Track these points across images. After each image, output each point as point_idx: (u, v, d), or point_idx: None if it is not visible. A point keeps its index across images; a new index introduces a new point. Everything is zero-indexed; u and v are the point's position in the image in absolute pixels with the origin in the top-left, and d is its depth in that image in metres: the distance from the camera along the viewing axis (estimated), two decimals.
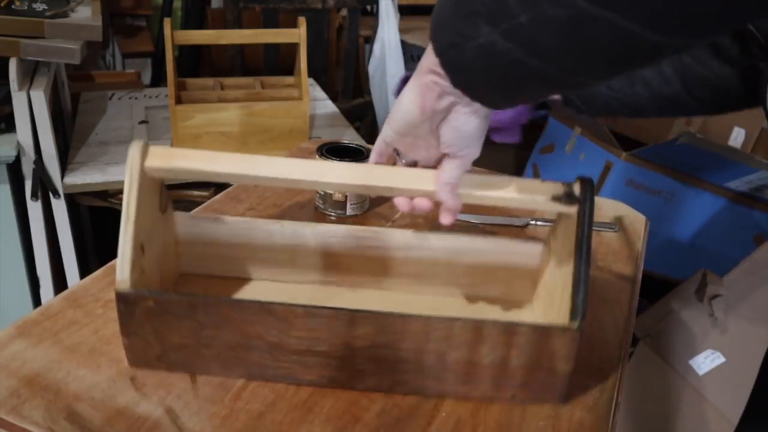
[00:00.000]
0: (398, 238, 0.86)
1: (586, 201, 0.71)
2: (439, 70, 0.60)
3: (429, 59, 0.61)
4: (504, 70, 0.54)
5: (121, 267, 0.70)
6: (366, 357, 0.72)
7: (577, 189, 0.72)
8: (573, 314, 0.69)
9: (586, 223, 0.70)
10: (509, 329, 0.69)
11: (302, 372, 0.74)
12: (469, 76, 0.59)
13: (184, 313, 0.71)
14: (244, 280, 0.90)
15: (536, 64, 0.52)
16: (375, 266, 0.88)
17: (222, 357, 0.74)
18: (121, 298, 0.70)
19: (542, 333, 0.69)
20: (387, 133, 0.71)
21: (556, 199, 0.71)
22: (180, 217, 0.87)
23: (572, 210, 0.71)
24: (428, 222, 1.08)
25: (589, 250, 0.70)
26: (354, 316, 0.69)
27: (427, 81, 0.62)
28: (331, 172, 0.72)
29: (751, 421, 1.05)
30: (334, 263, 0.88)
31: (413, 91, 0.64)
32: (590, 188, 0.71)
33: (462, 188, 0.70)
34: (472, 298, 0.89)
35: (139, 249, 0.72)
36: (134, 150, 0.71)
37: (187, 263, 0.90)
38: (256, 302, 0.70)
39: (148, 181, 0.73)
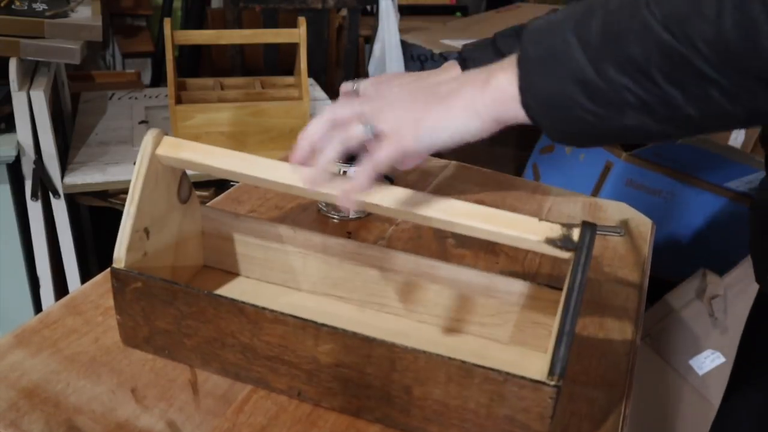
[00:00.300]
0: (410, 263, 0.83)
1: (583, 248, 0.64)
2: (519, 113, 0.61)
3: (500, 91, 0.62)
4: (620, 136, 0.59)
5: (119, 245, 0.74)
6: (332, 375, 0.70)
7: (576, 234, 0.65)
8: (551, 370, 0.61)
9: (579, 272, 0.63)
10: (471, 371, 0.64)
11: (273, 379, 0.73)
12: (569, 136, 0.61)
13: (167, 299, 0.73)
14: (256, 282, 0.91)
15: (672, 131, 0.57)
16: (384, 288, 0.86)
17: (201, 349, 0.75)
18: (114, 275, 0.75)
19: (513, 383, 0.63)
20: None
21: (551, 242, 0.65)
22: (206, 211, 0.89)
23: (567, 256, 0.66)
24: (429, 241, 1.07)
25: (578, 303, 0.62)
26: (319, 330, 0.68)
27: (491, 114, 0.63)
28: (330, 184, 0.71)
29: (736, 391, 1.06)
30: (344, 278, 0.87)
31: (466, 114, 0.63)
32: (591, 235, 0.65)
33: (453, 217, 0.68)
34: (477, 335, 0.84)
35: (142, 232, 0.76)
36: (148, 137, 0.75)
37: (211, 256, 0.92)
38: (228, 299, 0.71)
39: (160, 168, 0.76)
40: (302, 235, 0.86)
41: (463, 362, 0.64)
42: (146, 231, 0.77)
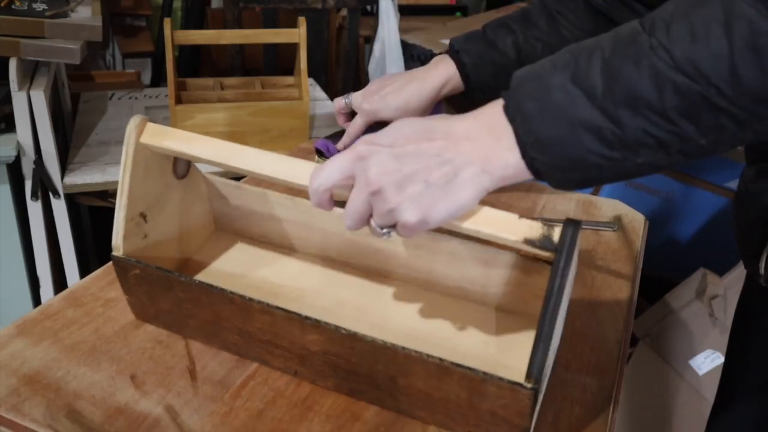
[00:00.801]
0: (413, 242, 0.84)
1: (563, 250, 0.61)
2: (524, 172, 0.61)
3: (500, 161, 0.61)
4: (630, 174, 0.59)
5: (116, 234, 0.77)
6: (322, 360, 0.71)
7: (557, 233, 0.62)
8: (528, 373, 0.61)
9: (558, 276, 0.60)
10: (449, 370, 0.64)
11: (271, 359, 0.75)
12: (579, 182, 0.61)
13: (165, 285, 0.76)
14: (261, 247, 0.93)
15: (681, 161, 0.58)
16: (385, 258, 0.87)
17: (203, 329, 0.78)
18: (116, 263, 0.78)
19: (491, 383, 0.62)
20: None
21: (530, 242, 0.62)
22: (210, 179, 0.90)
23: (547, 256, 0.63)
24: None
25: (558, 306, 0.60)
26: (304, 322, 0.69)
27: (487, 183, 0.62)
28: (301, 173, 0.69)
29: (727, 402, 1.06)
30: (346, 246, 0.88)
31: (473, 190, 0.62)
32: (572, 235, 0.61)
33: None
34: (475, 301, 0.85)
35: (138, 218, 0.78)
36: (131, 125, 0.74)
37: (221, 220, 0.94)
38: (219, 289, 0.72)
39: (149, 153, 0.77)
40: (302, 204, 0.87)
41: (441, 360, 0.64)
42: (143, 216, 0.79)
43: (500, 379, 0.62)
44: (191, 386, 0.73)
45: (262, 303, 0.70)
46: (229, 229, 0.95)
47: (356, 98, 1.08)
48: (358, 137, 1.05)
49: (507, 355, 0.77)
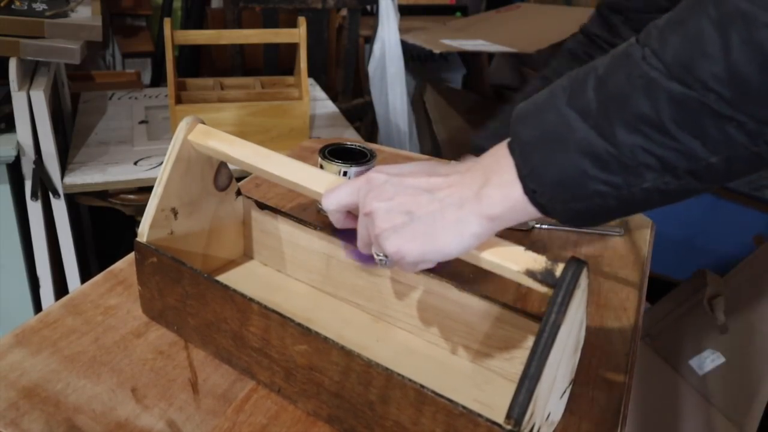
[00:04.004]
0: (420, 281, 0.82)
1: (562, 286, 0.58)
2: (524, 207, 0.58)
3: (505, 196, 0.58)
4: (639, 204, 0.55)
5: (144, 221, 0.79)
6: (306, 377, 0.70)
7: (559, 269, 0.59)
8: (509, 413, 0.57)
9: (554, 312, 0.57)
10: (426, 398, 0.61)
11: (258, 371, 0.75)
12: (583, 215, 0.57)
13: (176, 277, 0.77)
14: (286, 277, 0.94)
15: (695, 185, 0.53)
16: (398, 303, 0.85)
17: (200, 331, 0.79)
18: (137, 248, 0.80)
19: (468, 419, 0.59)
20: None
21: (531, 274, 0.60)
22: (248, 203, 0.92)
23: (546, 291, 0.60)
24: None
25: (550, 347, 0.57)
26: (295, 328, 0.68)
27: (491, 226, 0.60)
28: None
29: None
30: (362, 287, 0.87)
31: (454, 237, 0.59)
32: (574, 272, 0.58)
33: None
34: (481, 365, 0.81)
35: (169, 211, 0.81)
36: (183, 123, 0.79)
37: (251, 247, 0.96)
38: (222, 285, 0.73)
39: (193, 153, 0.80)
40: (326, 239, 0.88)
41: (422, 387, 0.61)
42: (174, 211, 0.81)
43: (479, 415, 0.58)
44: (193, 400, 0.72)
45: (261, 305, 0.70)
46: (258, 254, 0.96)
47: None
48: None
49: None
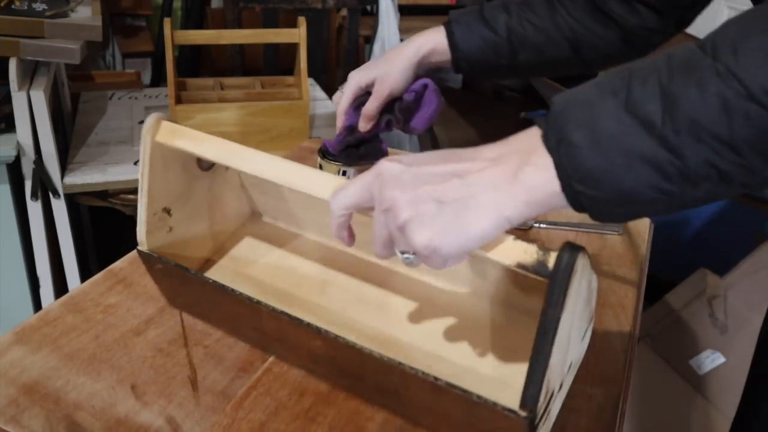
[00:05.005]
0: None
1: (556, 280, 0.56)
2: (558, 204, 0.55)
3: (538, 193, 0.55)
4: (682, 208, 0.54)
5: (139, 231, 0.79)
6: (330, 363, 0.71)
7: (552, 260, 0.57)
8: (522, 403, 0.57)
9: (551, 307, 0.55)
10: (443, 390, 0.62)
11: (287, 356, 0.76)
12: (627, 216, 0.55)
13: (184, 281, 0.78)
14: (297, 233, 0.95)
15: (738, 192, 0.53)
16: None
17: (225, 322, 0.80)
18: (141, 256, 0.80)
19: (485, 408, 0.60)
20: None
21: (523, 267, 0.58)
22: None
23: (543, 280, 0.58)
24: None
25: (552, 342, 0.56)
26: (307, 329, 0.69)
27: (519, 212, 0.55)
28: (316, 182, 0.67)
29: (749, 412, 1.04)
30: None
31: (490, 219, 0.55)
32: (569, 262, 0.56)
33: None
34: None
35: (161, 213, 0.80)
36: (146, 125, 0.75)
37: (256, 205, 0.96)
38: (230, 290, 0.73)
39: (167, 150, 0.77)
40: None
41: (436, 379, 0.62)
42: (166, 210, 0.80)
43: (494, 404, 0.59)
44: (192, 396, 0.72)
45: (269, 307, 0.70)
46: (265, 213, 0.96)
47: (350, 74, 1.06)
48: (348, 104, 1.04)
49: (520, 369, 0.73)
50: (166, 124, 0.75)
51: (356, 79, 1.01)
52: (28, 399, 0.69)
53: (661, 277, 2.08)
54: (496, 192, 0.55)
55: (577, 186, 0.53)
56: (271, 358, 0.78)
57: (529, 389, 0.57)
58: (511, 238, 0.59)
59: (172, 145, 0.75)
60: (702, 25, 0.88)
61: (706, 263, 2.00)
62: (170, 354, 0.78)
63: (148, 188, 0.77)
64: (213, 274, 0.88)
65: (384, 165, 0.59)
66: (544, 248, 0.58)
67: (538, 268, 0.57)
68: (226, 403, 0.71)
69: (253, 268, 0.89)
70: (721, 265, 1.94)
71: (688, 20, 0.94)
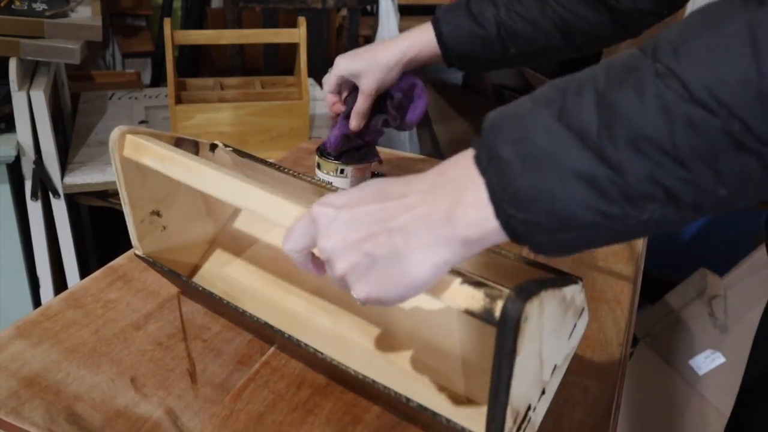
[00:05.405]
0: None
1: (505, 330, 0.50)
2: (496, 233, 0.50)
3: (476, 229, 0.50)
4: (628, 236, 0.49)
5: (132, 237, 0.80)
6: (325, 364, 0.70)
7: (498, 308, 0.51)
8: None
9: (502, 355, 0.51)
10: (414, 410, 0.62)
11: (293, 351, 0.77)
12: (567, 247, 0.49)
13: (180, 284, 0.79)
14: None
15: (693, 218, 0.47)
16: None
17: (233, 318, 0.81)
18: (139, 258, 0.82)
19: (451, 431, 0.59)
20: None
21: (471, 313, 0.53)
22: (226, 152, 0.86)
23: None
24: None
25: (509, 382, 0.52)
26: (288, 340, 0.69)
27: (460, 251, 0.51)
28: (277, 210, 0.64)
29: (745, 410, 1.04)
30: None
31: (426, 266, 0.51)
32: (514, 316, 0.49)
33: None
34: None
35: (149, 216, 0.80)
36: (112, 140, 0.72)
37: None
38: (217, 297, 0.74)
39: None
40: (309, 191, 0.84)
41: (408, 400, 0.61)
42: (155, 213, 0.81)
43: (462, 429, 0.58)
44: (191, 389, 0.72)
45: (254, 317, 0.71)
46: None
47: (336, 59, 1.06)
48: (333, 93, 1.05)
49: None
50: (130, 139, 0.73)
51: (343, 66, 1.01)
52: (28, 391, 0.70)
53: (661, 277, 2.09)
54: (429, 235, 0.51)
55: (509, 209, 0.48)
56: (270, 351, 0.79)
57: (492, 422, 0.54)
58: (458, 281, 0.54)
59: (138, 161, 0.73)
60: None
61: (706, 263, 2.00)
62: (169, 348, 0.78)
63: (129, 200, 0.77)
64: (216, 258, 0.89)
65: (316, 211, 0.56)
66: (492, 294, 0.52)
67: (486, 316, 0.52)
68: (224, 395, 0.72)
69: (255, 248, 0.90)
70: (721, 265, 1.95)
71: (682, 1, 0.93)
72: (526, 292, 0.50)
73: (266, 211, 0.63)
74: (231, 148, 0.86)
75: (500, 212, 0.48)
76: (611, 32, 0.95)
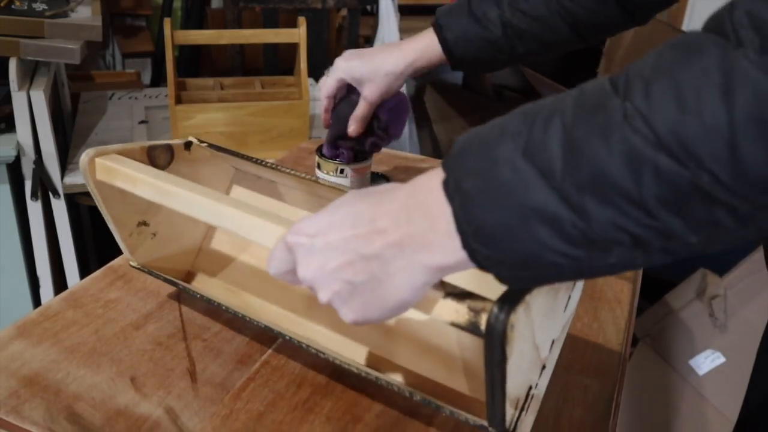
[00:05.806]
0: None
1: (492, 341, 0.49)
2: (466, 263, 0.49)
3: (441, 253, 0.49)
4: (597, 275, 0.47)
5: (123, 250, 0.81)
6: (327, 362, 0.71)
7: (483, 321, 0.52)
8: (489, 423, 0.56)
9: (492, 364, 0.50)
10: (419, 404, 0.63)
11: (295, 350, 0.78)
12: (534, 282, 0.49)
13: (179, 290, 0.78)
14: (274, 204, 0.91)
15: (663, 260, 0.45)
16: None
17: (232, 318, 0.81)
18: (137, 269, 0.82)
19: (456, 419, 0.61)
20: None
21: (457, 326, 0.54)
22: (202, 148, 0.86)
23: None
24: None
25: (503, 384, 0.52)
26: (289, 342, 0.70)
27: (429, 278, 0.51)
28: (252, 228, 0.64)
29: (753, 420, 1.03)
30: None
31: (406, 289, 0.52)
32: (500, 329, 0.48)
33: None
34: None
35: (136, 228, 0.80)
36: (82, 165, 0.72)
37: (229, 180, 0.93)
38: (216, 304, 0.74)
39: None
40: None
41: (411, 393, 0.62)
42: (142, 223, 0.80)
43: (466, 420, 0.59)
44: (191, 388, 0.72)
45: (251, 320, 0.72)
46: (237, 188, 0.92)
47: (336, 61, 1.05)
48: (330, 97, 1.04)
49: None
50: (100, 163, 0.72)
51: (345, 71, 1.01)
52: (28, 391, 0.70)
53: (661, 277, 2.09)
54: (405, 260, 0.50)
55: (473, 243, 0.47)
56: (270, 350, 0.79)
57: (493, 412, 0.54)
58: (441, 295, 0.54)
59: (111, 184, 0.72)
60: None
61: (706, 263, 2.00)
62: (169, 347, 0.78)
63: (113, 218, 0.77)
64: (216, 258, 0.89)
65: (291, 241, 0.55)
66: (476, 307, 0.52)
67: (472, 328, 0.53)
68: (224, 394, 0.72)
69: (253, 247, 0.89)
70: (721, 265, 1.94)
71: None
72: (509, 302, 0.49)
73: (239, 229, 0.63)
74: (206, 144, 0.84)
75: (466, 245, 0.47)
76: (618, 21, 0.94)
